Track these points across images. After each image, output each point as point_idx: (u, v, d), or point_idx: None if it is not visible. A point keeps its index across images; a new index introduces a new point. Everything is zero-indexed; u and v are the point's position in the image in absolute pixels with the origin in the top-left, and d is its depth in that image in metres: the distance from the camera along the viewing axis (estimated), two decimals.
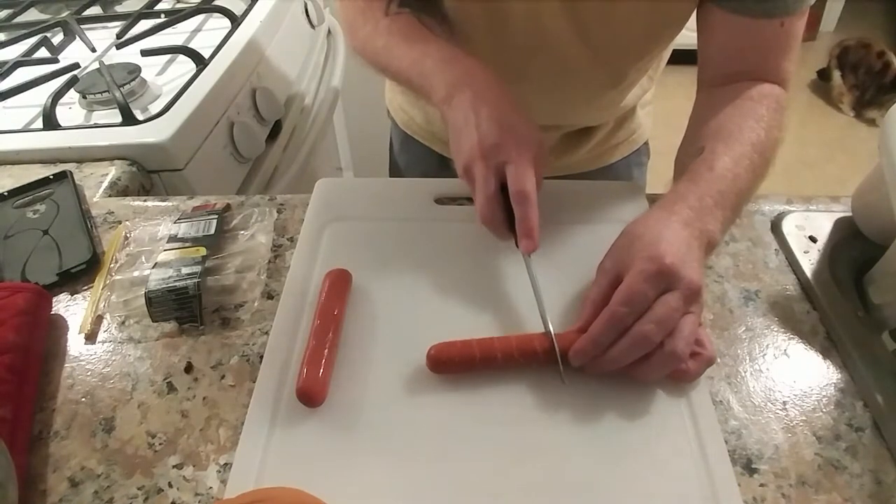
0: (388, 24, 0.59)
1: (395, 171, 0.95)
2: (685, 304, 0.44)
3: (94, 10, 1.16)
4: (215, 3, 1.09)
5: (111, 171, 0.75)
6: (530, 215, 0.48)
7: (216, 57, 0.94)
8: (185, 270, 0.55)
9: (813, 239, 0.60)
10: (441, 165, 0.83)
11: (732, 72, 0.57)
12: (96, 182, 0.73)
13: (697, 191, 0.49)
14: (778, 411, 0.47)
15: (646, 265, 0.44)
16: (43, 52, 1.02)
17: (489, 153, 0.49)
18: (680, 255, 0.44)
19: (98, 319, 0.56)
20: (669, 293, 0.43)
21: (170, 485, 0.44)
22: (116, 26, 1.07)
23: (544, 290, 0.51)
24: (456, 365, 0.47)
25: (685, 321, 0.44)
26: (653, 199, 0.64)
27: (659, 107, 0.88)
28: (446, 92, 0.52)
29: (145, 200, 0.69)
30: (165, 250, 0.58)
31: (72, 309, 0.57)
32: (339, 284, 0.53)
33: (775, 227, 0.62)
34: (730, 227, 0.51)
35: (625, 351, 0.44)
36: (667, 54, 0.75)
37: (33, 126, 0.84)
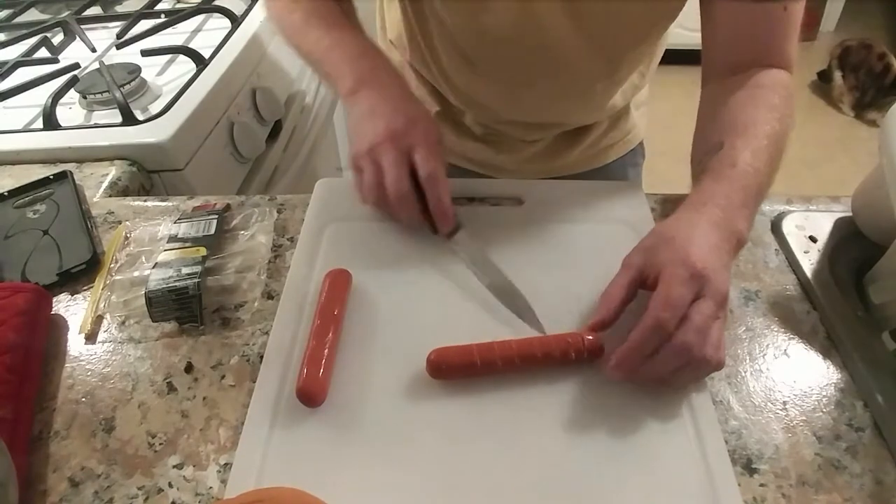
0: (309, 3, 0.61)
1: None
2: (716, 311, 0.44)
3: (94, 10, 1.17)
4: (215, 3, 1.09)
5: (111, 171, 0.75)
6: (444, 196, 0.52)
7: (216, 57, 0.94)
8: (185, 270, 0.55)
9: (813, 239, 0.60)
10: None
11: (738, 60, 0.57)
12: (96, 182, 0.73)
13: (723, 189, 0.49)
14: (778, 411, 0.47)
15: (680, 269, 0.43)
16: (43, 52, 1.02)
17: (397, 136, 0.51)
18: (711, 260, 0.44)
19: (98, 319, 0.56)
20: (703, 301, 0.43)
21: (170, 485, 0.44)
22: (116, 26, 1.07)
23: (544, 290, 0.52)
24: (456, 370, 0.47)
25: (714, 327, 0.44)
26: (651, 199, 0.64)
27: (658, 107, 0.88)
28: (353, 85, 0.55)
29: (145, 200, 0.69)
30: (165, 250, 0.58)
31: (72, 309, 0.57)
32: (339, 284, 0.53)
33: (775, 227, 0.62)
34: (753, 222, 0.50)
35: (667, 361, 0.43)
36: (659, 52, 0.75)
37: (33, 126, 0.84)
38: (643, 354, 0.43)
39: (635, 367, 0.44)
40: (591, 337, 0.46)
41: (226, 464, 0.45)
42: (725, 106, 0.55)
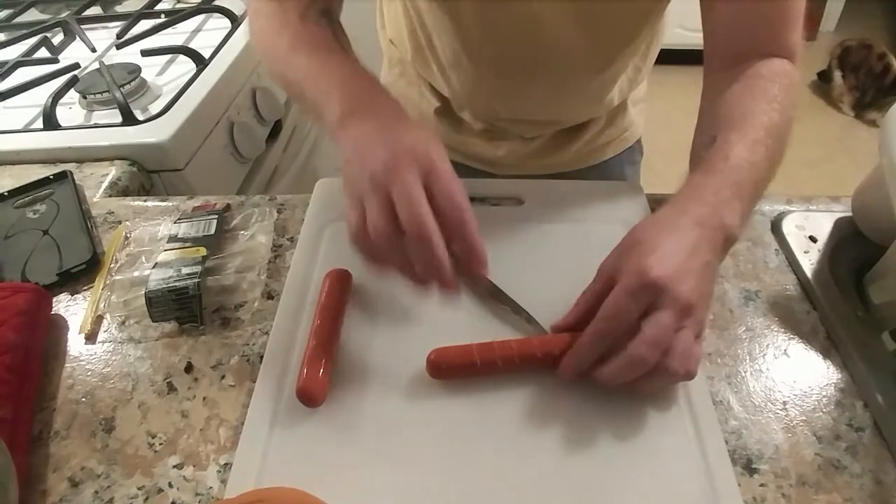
0: (298, 28, 0.54)
1: None
2: (677, 321, 0.42)
3: (94, 10, 1.17)
4: (215, 3, 1.09)
5: (111, 171, 0.75)
6: (474, 234, 0.42)
7: (216, 57, 0.94)
8: (185, 270, 0.55)
9: (813, 239, 0.60)
10: None
11: (739, 51, 0.55)
12: (96, 182, 0.73)
13: (713, 184, 0.47)
14: (778, 411, 0.47)
15: (630, 279, 0.42)
16: (43, 52, 1.03)
17: (403, 163, 0.41)
18: (671, 267, 0.42)
19: (98, 319, 0.56)
20: (661, 311, 0.41)
21: (170, 485, 0.44)
22: (116, 26, 1.07)
23: (544, 290, 0.52)
24: (456, 370, 0.47)
25: (678, 338, 0.42)
26: (650, 199, 0.64)
27: (657, 107, 0.89)
28: (342, 112, 0.47)
29: (145, 200, 0.69)
30: (165, 250, 0.58)
31: (72, 309, 0.57)
32: (339, 284, 0.53)
33: (775, 227, 0.62)
34: (749, 218, 0.48)
35: (620, 372, 0.42)
36: (656, 46, 0.75)
37: (33, 126, 0.84)
38: (585, 361, 0.44)
39: (579, 372, 0.44)
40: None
41: (226, 464, 0.45)
42: (722, 99, 0.53)
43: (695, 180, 0.48)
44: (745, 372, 0.50)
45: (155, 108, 0.85)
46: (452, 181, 0.42)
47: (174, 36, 1.04)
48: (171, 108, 0.83)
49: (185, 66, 0.93)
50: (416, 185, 0.41)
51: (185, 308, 0.53)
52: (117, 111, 0.81)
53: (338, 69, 0.50)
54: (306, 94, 0.51)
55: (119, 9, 1.19)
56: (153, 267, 0.56)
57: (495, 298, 0.53)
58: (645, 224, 0.47)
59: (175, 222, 0.62)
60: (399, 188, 0.41)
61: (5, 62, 0.96)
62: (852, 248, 0.59)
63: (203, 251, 0.57)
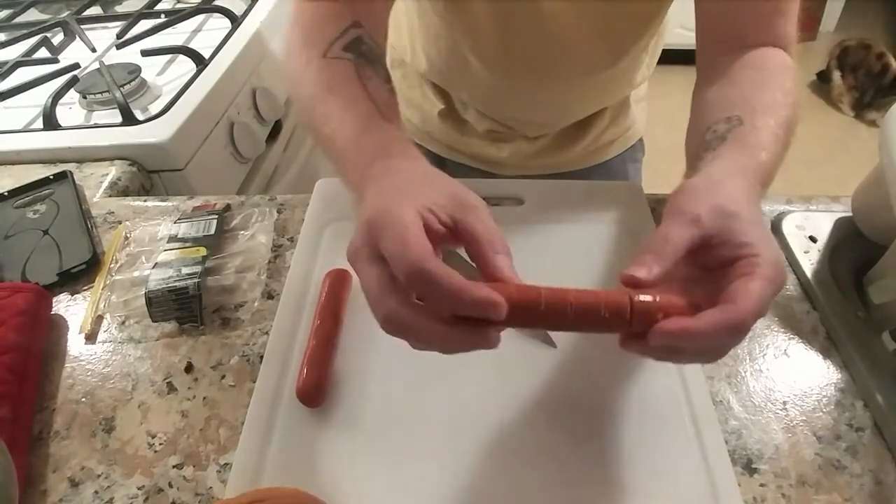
0: (319, 68, 0.50)
1: None
2: None
3: (94, 10, 1.17)
4: (215, 3, 1.09)
5: (111, 171, 0.75)
6: (476, 293, 0.34)
7: (216, 57, 0.94)
8: (185, 270, 0.55)
9: (813, 239, 0.60)
10: (437, 165, 0.83)
11: (733, 36, 0.54)
12: (96, 182, 0.73)
13: (758, 170, 0.43)
14: (778, 411, 0.47)
15: (771, 271, 0.36)
16: (43, 53, 1.03)
17: (358, 246, 0.36)
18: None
19: (98, 319, 0.56)
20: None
21: (170, 485, 0.44)
22: (116, 26, 1.07)
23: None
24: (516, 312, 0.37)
25: None
26: (651, 199, 0.64)
27: (658, 106, 0.88)
28: (362, 173, 0.42)
29: (145, 200, 0.69)
30: (165, 250, 0.58)
31: (72, 309, 0.57)
32: (339, 284, 0.53)
33: (775, 227, 0.62)
34: None
35: (685, 359, 0.39)
36: (660, 43, 0.75)
37: (33, 126, 0.84)
38: (703, 349, 0.36)
39: (678, 353, 0.36)
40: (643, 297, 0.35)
41: (226, 464, 0.45)
42: (737, 82, 0.51)
43: (747, 162, 0.44)
44: (745, 372, 0.50)
45: (155, 108, 0.85)
46: (404, 251, 0.34)
47: (174, 36, 1.04)
48: (171, 108, 0.83)
49: (185, 66, 0.93)
50: (371, 276, 0.35)
51: (185, 308, 0.53)
52: (117, 111, 0.81)
53: (352, 122, 0.46)
54: (329, 151, 0.47)
55: (119, 9, 1.19)
56: (153, 267, 0.56)
57: None
58: (738, 193, 0.40)
59: (175, 222, 0.62)
60: (362, 282, 0.36)
61: (5, 62, 0.96)
62: (852, 248, 0.59)
63: (203, 251, 0.57)
